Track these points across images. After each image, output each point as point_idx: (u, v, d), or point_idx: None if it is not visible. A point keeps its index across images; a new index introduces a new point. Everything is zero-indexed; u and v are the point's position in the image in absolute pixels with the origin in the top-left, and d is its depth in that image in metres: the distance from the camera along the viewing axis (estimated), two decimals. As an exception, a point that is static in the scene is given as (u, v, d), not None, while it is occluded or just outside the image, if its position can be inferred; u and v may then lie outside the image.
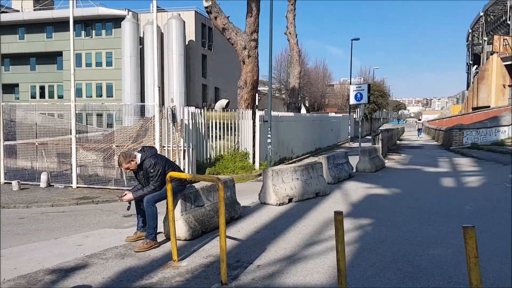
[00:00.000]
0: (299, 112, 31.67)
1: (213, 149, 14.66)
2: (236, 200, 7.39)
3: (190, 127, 12.73)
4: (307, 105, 58.62)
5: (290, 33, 25.07)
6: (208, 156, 14.44)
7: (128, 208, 5.82)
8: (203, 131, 14.10)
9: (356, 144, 26.86)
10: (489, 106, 44.45)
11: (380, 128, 47.54)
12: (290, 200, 8.55)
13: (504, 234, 5.90)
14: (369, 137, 29.14)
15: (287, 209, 8.00)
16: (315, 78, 59.77)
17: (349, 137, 34.62)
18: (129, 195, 5.62)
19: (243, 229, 6.53)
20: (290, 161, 17.51)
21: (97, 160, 12.79)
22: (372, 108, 50.19)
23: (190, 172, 12.57)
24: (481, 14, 67.62)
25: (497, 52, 46.85)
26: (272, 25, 15.12)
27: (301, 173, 9.13)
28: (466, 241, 2.55)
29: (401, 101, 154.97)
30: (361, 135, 30.57)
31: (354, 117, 38.77)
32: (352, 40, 36.39)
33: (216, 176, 10.79)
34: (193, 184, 6.26)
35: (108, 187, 11.88)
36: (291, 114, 22.04)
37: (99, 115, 15.23)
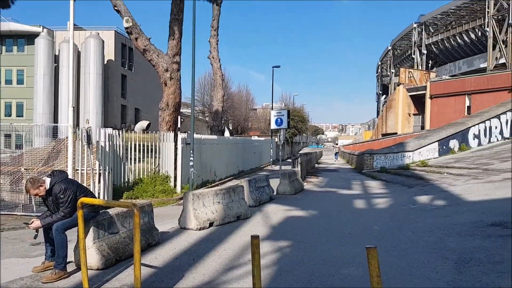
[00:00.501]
0: (223, 135, 31.90)
1: (131, 172, 14.14)
2: (154, 226, 7.17)
3: (107, 149, 12.21)
4: (230, 128, 59.27)
5: (213, 58, 25.45)
6: (126, 180, 13.89)
7: (36, 237, 5.41)
8: (121, 154, 13.57)
9: (277, 167, 27.59)
10: (396, 133, 48.49)
11: (300, 151, 49.43)
12: (211, 224, 8.50)
13: (408, 253, 6.38)
14: (290, 160, 30.14)
15: (207, 234, 7.93)
16: (238, 102, 60.88)
17: (271, 160, 35.45)
18: (37, 222, 5.24)
19: (160, 256, 6.34)
20: (212, 184, 17.45)
21: (3, 184, 11.70)
22: (293, 132, 52.18)
23: (106, 197, 12.00)
24: (389, 48, 74.37)
25: (403, 84, 51.61)
26: (194, 48, 15.24)
27: (222, 196, 9.16)
28: (369, 261, 2.74)
29: (319, 126, 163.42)
30: (282, 158, 31.51)
31: (276, 140, 39.91)
32: (273, 67, 37.80)
33: (132, 201, 10.43)
34: (108, 210, 5.99)
35: (15, 213, 10.92)
36: (215, 137, 22.11)
37: (7, 136, 13.99)
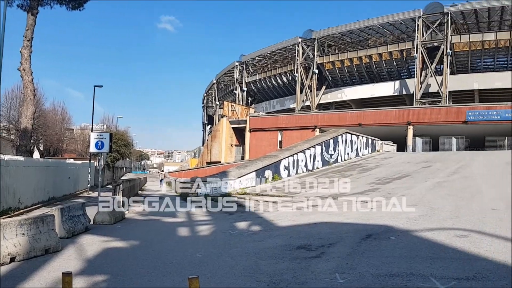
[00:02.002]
0: (32, 156, 28.23)
1: None
2: None
3: None
4: (41, 149, 52.92)
5: (24, 70, 22.51)
6: None
7: None
8: None
9: (96, 194, 25.64)
10: (220, 162, 51.01)
11: (123, 177, 47.24)
12: (12, 260, 7.29)
13: (228, 278, 6.63)
14: (111, 186, 28.38)
15: (8, 270, 6.78)
16: (52, 120, 54.96)
17: (88, 185, 32.88)
18: None
19: None
20: (16, 213, 15.09)
21: None
22: (115, 156, 49.53)
23: None
24: (214, 81, 78.80)
25: (226, 116, 55.03)
26: (1, 59, 13.26)
27: (28, 227, 7.97)
28: (192, 291, 2.73)
29: (144, 152, 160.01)
30: (102, 184, 29.46)
31: (95, 165, 37.30)
32: (95, 86, 35.70)
33: None
34: None
35: None
36: (21, 158, 19.31)
37: None
